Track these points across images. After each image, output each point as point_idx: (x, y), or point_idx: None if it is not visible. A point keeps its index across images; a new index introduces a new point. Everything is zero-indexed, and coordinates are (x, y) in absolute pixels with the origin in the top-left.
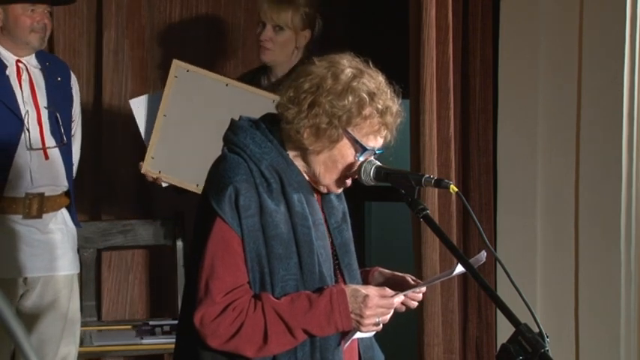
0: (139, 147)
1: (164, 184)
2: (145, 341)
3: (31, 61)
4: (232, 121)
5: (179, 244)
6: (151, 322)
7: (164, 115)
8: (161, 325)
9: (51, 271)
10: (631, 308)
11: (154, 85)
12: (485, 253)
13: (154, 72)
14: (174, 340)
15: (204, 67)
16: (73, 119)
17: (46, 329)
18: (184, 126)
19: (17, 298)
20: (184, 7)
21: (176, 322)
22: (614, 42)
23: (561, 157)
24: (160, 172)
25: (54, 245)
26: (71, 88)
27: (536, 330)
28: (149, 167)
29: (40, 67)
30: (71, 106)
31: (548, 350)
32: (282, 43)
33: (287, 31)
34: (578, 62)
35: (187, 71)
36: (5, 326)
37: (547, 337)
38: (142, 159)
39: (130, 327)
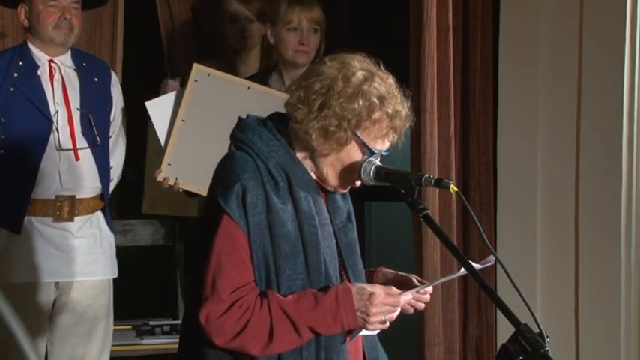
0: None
1: (180, 190)
2: (145, 341)
3: (65, 61)
4: (240, 119)
5: (179, 244)
6: (151, 322)
7: (182, 121)
8: (161, 325)
9: (84, 276)
10: (631, 308)
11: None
12: (493, 258)
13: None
14: (174, 340)
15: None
16: (112, 120)
17: (81, 333)
18: (203, 131)
19: (51, 302)
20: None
21: (176, 322)
22: (614, 42)
23: (561, 157)
24: (177, 179)
25: (86, 250)
26: (110, 89)
27: (536, 330)
28: (166, 174)
29: (74, 67)
30: (109, 107)
31: (548, 350)
32: (316, 45)
33: (319, 32)
34: (578, 62)
35: (208, 75)
36: (5, 326)
37: (547, 337)
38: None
39: (130, 327)
